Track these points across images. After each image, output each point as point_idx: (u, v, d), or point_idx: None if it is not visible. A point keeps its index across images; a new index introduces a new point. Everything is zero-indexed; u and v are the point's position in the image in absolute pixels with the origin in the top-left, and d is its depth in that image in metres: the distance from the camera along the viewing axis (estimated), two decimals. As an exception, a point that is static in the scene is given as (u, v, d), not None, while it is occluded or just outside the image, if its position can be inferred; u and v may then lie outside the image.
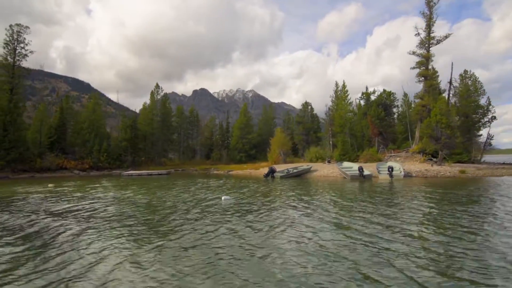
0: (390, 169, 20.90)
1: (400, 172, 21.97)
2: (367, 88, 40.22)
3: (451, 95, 35.19)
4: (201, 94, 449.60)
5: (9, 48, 37.14)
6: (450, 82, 34.53)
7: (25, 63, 38.32)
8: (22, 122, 37.69)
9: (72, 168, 40.93)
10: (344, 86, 42.61)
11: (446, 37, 30.26)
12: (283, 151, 39.05)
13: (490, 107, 36.77)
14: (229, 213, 9.03)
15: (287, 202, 11.31)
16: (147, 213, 9.33)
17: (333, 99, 44.58)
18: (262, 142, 53.19)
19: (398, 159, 30.38)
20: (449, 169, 23.64)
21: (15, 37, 37.51)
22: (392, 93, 37.73)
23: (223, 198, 11.82)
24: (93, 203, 11.55)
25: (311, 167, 27.32)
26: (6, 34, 36.88)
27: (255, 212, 9.17)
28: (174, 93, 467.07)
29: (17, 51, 37.49)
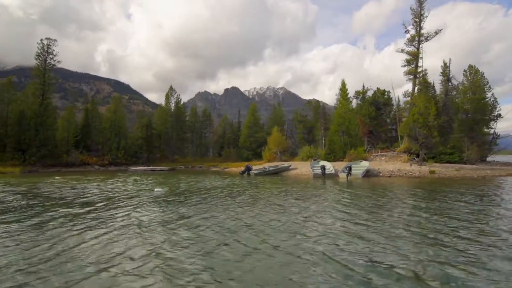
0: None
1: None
2: (363, 86, 39.86)
3: (450, 92, 33.96)
4: (232, 92, 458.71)
5: (41, 59, 43.06)
6: (448, 79, 33.34)
7: (73, 67, 44.36)
8: (51, 123, 43.43)
9: (94, 164, 46.24)
10: (343, 84, 42.62)
11: (436, 33, 29.42)
12: (279, 149, 40.42)
13: (496, 104, 34.96)
14: (152, 202, 11.20)
15: (216, 194, 13.20)
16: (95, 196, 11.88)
17: (338, 97, 44.72)
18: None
19: (383, 158, 30.39)
20: (419, 169, 23.56)
21: (46, 49, 43.36)
22: (387, 91, 37.13)
23: (155, 190, 14.08)
24: (70, 190, 14.46)
25: (289, 166, 28.61)
26: (37, 47, 42.85)
27: (165, 200, 11.25)
28: (206, 92, 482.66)
29: (47, 62, 43.33)
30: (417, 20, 29.52)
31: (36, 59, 42.76)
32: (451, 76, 33.00)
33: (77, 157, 45.07)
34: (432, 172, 22.48)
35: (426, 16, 29.75)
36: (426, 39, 29.60)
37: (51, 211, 9.04)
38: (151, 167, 39.70)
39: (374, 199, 11.37)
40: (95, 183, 18.83)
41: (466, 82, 35.74)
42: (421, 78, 29.86)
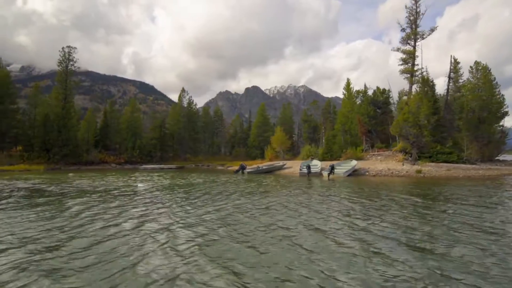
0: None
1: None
2: (365, 85, 39.71)
3: (451, 90, 33.17)
4: (253, 91, 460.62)
5: (63, 65, 46.93)
6: (449, 77, 32.59)
7: (102, 70, 48.28)
8: (73, 125, 47.23)
9: (111, 162, 49.65)
10: (348, 84, 42.67)
11: (432, 30, 28.94)
12: (282, 148, 41.32)
13: (503, 101, 33.68)
14: (135, 195, 12.89)
15: (194, 188, 14.69)
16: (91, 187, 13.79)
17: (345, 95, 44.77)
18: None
19: (379, 158, 30.47)
20: (408, 169, 23.65)
21: (67, 56, 47.18)
22: (387, 90, 36.76)
23: (139, 185, 15.79)
24: (74, 184, 16.60)
25: (284, 165, 29.53)
26: (59, 55, 46.73)
27: (147, 193, 12.88)
28: (227, 92, 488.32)
29: (68, 68, 47.14)
30: (411, 18, 29.18)
31: (58, 65, 46.68)
32: (452, 74, 32.16)
33: (96, 156, 48.66)
34: (419, 171, 22.56)
35: (423, 14, 29.35)
36: (422, 37, 29.23)
37: (34, 199, 10.92)
38: (160, 166, 42.18)
39: (318, 193, 12.26)
40: (98, 179, 21.04)
41: (472, 79, 34.67)
42: (418, 77, 29.50)
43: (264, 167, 28.35)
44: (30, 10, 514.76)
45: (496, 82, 33.49)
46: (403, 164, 25.91)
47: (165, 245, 5.36)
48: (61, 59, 46.56)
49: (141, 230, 6.58)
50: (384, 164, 26.90)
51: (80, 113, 60.96)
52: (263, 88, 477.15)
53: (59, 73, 46.98)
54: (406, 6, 29.31)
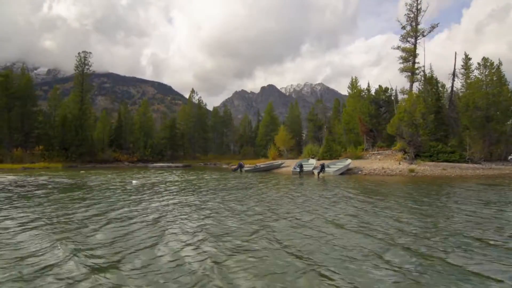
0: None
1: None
2: (368, 84, 39.44)
3: (463, 88, 32.49)
4: (269, 90, 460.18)
5: (79, 70, 49.78)
6: (454, 74, 31.92)
7: (122, 71, 51.19)
8: (89, 125, 50.06)
9: (124, 161, 52.13)
10: (354, 82, 42.52)
11: (433, 27, 28.53)
12: (286, 148, 41.89)
13: (512, 99, 32.52)
14: (128, 191, 14.17)
15: (184, 184, 15.80)
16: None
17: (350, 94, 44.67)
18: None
19: (378, 157, 30.43)
20: (402, 168, 23.64)
21: (83, 60, 50.00)
22: (389, 89, 36.38)
23: (133, 182, 17.08)
24: (81, 180, 18.22)
25: (281, 164, 30.16)
26: (76, 60, 49.58)
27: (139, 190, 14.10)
28: (243, 91, 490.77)
29: (84, 72, 49.94)
30: (411, 15, 28.85)
31: (75, 69, 49.58)
32: (463, 70, 31.48)
33: (110, 154, 51.34)
34: (411, 170, 22.55)
35: (424, 11, 28.96)
36: (423, 35, 28.86)
37: (36, 195, 12.34)
38: (168, 164, 43.91)
39: (294, 190, 12.95)
40: (104, 176, 22.68)
41: (479, 76, 33.71)
42: (420, 75, 29.19)
43: (261, 166, 29.15)
44: (55, 15, 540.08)
45: (506, 79, 32.41)
46: (399, 163, 25.87)
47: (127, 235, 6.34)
48: (77, 63, 49.45)
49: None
50: (380, 163, 26.92)
51: (102, 114, 64.05)
52: (279, 87, 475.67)
53: (76, 76, 49.92)
54: (406, 3, 29.03)
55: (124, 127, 57.03)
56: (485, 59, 34.05)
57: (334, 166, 24.76)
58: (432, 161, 27.75)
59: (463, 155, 28.43)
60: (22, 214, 7.83)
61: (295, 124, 60.78)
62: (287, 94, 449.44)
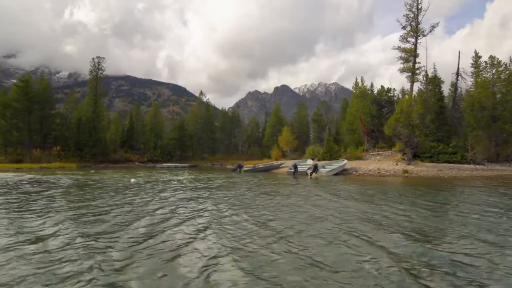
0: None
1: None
2: (372, 84, 39.22)
3: (459, 87, 31.88)
4: (282, 90, 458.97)
5: (93, 74, 52.24)
6: (458, 74, 31.38)
7: (138, 74, 53.60)
8: (102, 127, 52.40)
9: (135, 161, 54.14)
10: (358, 82, 42.40)
11: (433, 26, 28.22)
12: (290, 148, 42.34)
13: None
14: (123, 189, 15.31)
15: (178, 184, 16.80)
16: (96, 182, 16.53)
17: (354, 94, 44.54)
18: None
19: (378, 157, 30.41)
20: (396, 168, 23.65)
21: (97, 65, 52.43)
22: (391, 89, 36.05)
23: (131, 180, 18.23)
24: (90, 179, 19.63)
25: (280, 164, 30.67)
26: (90, 65, 52.05)
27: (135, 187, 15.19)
28: (256, 91, 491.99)
29: (98, 76, 52.36)
30: (411, 15, 28.64)
31: (89, 74, 52.09)
32: (473, 69, 30.91)
33: (122, 155, 53.48)
34: (405, 171, 22.57)
35: (425, 10, 28.70)
36: (423, 34, 28.60)
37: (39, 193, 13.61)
38: (175, 164, 45.37)
39: (274, 189, 13.58)
40: (109, 175, 24.09)
41: (486, 75, 32.96)
42: (422, 75, 28.97)
43: (260, 166, 29.84)
44: (76, 21, 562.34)
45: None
46: (396, 164, 25.86)
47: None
48: (92, 68, 51.94)
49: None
50: (378, 164, 26.99)
51: (119, 115, 66.74)
52: (292, 87, 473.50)
53: (90, 80, 52.43)
54: (405, 3, 28.83)
55: (135, 128, 59.17)
56: (492, 58, 33.29)
57: (329, 167, 25.08)
58: (432, 162, 27.55)
59: (465, 156, 28.03)
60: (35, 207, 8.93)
61: (302, 125, 60.97)
62: (301, 94, 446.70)
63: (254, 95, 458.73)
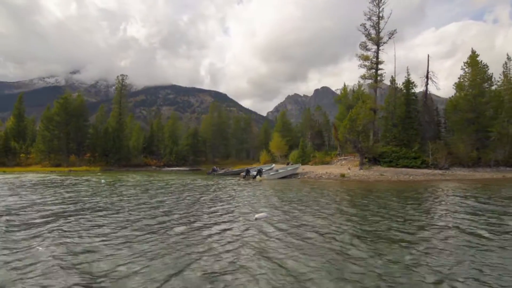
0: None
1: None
2: (345, 86, 39.52)
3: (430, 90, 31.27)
4: (322, 92, 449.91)
5: (118, 90, 60.49)
6: (427, 77, 30.96)
7: (183, 83, 63.64)
8: (125, 136, 60.25)
9: (152, 165, 61.05)
10: (345, 90, 43.10)
11: (392, 34, 28.52)
12: (280, 153, 44.59)
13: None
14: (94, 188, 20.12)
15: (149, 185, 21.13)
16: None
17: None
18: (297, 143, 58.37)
19: (343, 162, 31.43)
20: (346, 173, 24.87)
21: (121, 82, 60.62)
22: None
23: (101, 180, 22.98)
24: (96, 179, 25.19)
25: (252, 169, 33.39)
26: (116, 82, 60.34)
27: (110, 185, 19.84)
28: (296, 95, 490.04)
29: (122, 91, 60.48)
30: (371, 24, 29.31)
31: (115, 90, 60.46)
32: (431, 73, 30.52)
33: (142, 159, 60.76)
34: (343, 175, 23.88)
35: (388, 17, 29.21)
36: (384, 42, 29.11)
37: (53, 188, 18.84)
38: (177, 168, 50.63)
39: (200, 190, 16.87)
40: (88, 177, 29.55)
41: (464, 78, 31.78)
42: (382, 82, 29.50)
43: (231, 170, 32.99)
44: (129, 37, 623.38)
45: (491, 81, 30.14)
46: (349, 169, 27.02)
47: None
48: (116, 85, 60.28)
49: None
50: (333, 168, 28.30)
51: (164, 123, 73.29)
52: (333, 88, 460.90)
53: (115, 95, 60.81)
54: (364, 12, 29.57)
55: (155, 136, 66.38)
56: (472, 57, 32.02)
57: (282, 170, 27.27)
58: (391, 166, 28.01)
59: (426, 161, 27.88)
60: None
61: (308, 129, 62.15)
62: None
63: (294, 99, 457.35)
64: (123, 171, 48.33)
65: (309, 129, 48.97)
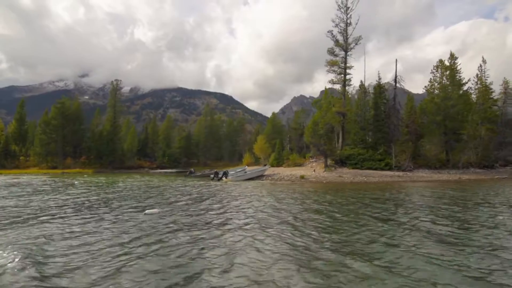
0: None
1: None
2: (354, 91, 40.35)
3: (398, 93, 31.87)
4: (328, 93, 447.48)
5: (113, 95, 62.66)
6: (396, 81, 31.64)
7: (189, 85, 64.00)
8: (118, 138, 62.29)
9: (146, 167, 62.90)
10: (326, 93, 43.79)
11: (358, 40, 29.39)
12: (264, 156, 45.68)
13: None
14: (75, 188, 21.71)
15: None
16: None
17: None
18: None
19: (314, 164, 32.33)
20: (307, 175, 25.83)
21: (116, 87, 62.78)
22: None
23: (75, 182, 24.56)
24: (85, 180, 26.89)
25: (227, 171, 34.62)
26: (111, 86, 62.50)
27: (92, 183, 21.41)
28: (302, 96, 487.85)
29: (116, 96, 62.62)
30: (339, 30, 30.21)
31: (109, 94, 62.63)
32: (399, 77, 31.20)
33: (135, 161, 62.69)
34: (302, 177, 24.85)
35: (356, 23, 30.08)
36: (351, 49, 29.99)
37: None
38: (164, 170, 52.22)
39: (158, 191, 18.19)
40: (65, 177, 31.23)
41: (436, 82, 32.34)
42: (351, 86, 30.36)
43: (206, 172, 34.33)
44: (136, 40, 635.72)
45: (464, 83, 30.68)
46: (314, 171, 27.96)
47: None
48: (111, 90, 62.46)
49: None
50: (302, 170, 29.25)
51: (172, 125, 74.68)
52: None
53: (110, 99, 63.00)
54: (332, 19, 30.51)
55: (149, 139, 68.30)
56: (440, 61, 32.56)
57: (249, 172, 28.40)
58: (356, 168, 28.83)
59: (390, 163, 28.60)
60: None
61: (297, 133, 63.00)
62: (350, 96, 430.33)
63: (299, 100, 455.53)
64: (115, 173, 50.17)
65: (289, 132, 49.90)
